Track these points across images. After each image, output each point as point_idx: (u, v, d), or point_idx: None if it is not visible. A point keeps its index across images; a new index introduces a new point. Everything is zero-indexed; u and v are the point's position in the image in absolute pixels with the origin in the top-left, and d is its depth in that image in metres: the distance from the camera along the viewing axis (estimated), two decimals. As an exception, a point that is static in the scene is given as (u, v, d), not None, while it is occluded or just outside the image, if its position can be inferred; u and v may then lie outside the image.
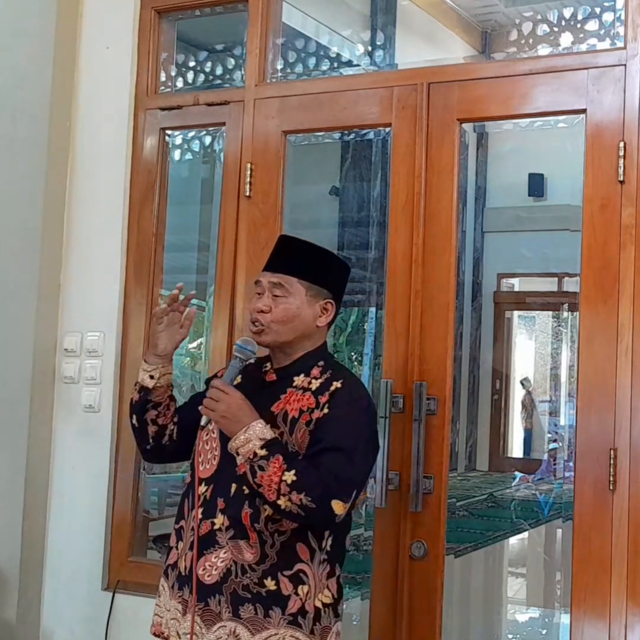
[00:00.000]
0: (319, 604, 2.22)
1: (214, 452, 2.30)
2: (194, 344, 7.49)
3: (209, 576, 2.22)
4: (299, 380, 2.29)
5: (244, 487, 2.20)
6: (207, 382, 2.49)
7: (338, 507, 2.12)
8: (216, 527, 2.23)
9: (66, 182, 3.61)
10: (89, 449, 3.49)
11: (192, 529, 2.28)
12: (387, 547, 2.92)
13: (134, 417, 2.44)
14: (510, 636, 5.19)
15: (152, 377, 2.39)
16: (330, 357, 2.38)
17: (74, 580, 3.48)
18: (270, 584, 2.18)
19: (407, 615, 2.88)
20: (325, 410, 2.20)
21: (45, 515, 3.52)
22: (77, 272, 3.58)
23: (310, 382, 2.27)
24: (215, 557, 2.22)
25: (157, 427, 2.42)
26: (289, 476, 2.09)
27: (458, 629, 4.15)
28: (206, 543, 2.24)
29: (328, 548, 2.25)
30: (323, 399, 2.22)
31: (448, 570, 2.92)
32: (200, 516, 2.26)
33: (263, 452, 2.12)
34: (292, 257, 2.35)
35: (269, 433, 2.16)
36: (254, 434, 2.13)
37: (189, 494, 2.33)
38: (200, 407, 2.23)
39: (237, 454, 2.15)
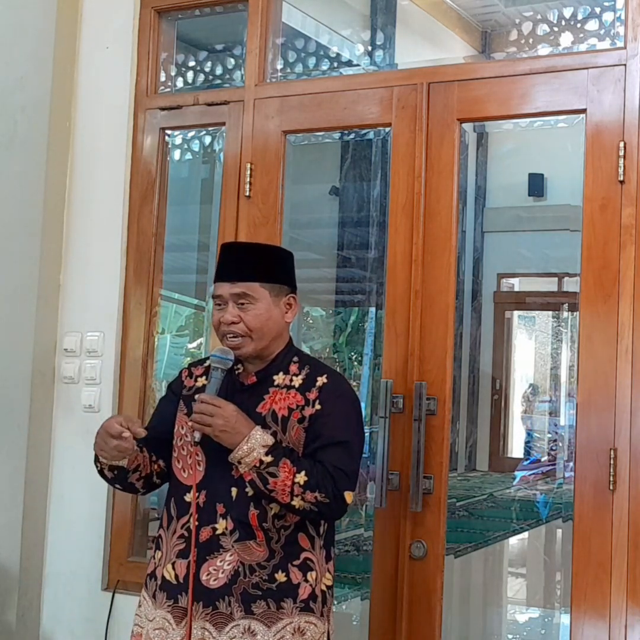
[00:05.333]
0: (323, 588, 2.30)
1: (196, 458, 2.30)
2: (194, 344, 7.49)
3: (214, 580, 2.23)
4: (279, 379, 2.32)
5: (246, 490, 2.22)
6: (169, 386, 2.49)
7: (349, 497, 2.22)
8: (219, 531, 2.24)
9: (66, 182, 3.61)
10: (89, 449, 3.44)
11: (182, 537, 2.28)
12: (387, 547, 2.92)
13: (117, 485, 2.39)
14: (510, 636, 5.18)
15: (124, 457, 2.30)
16: (300, 351, 2.41)
17: (74, 580, 3.47)
18: (280, 576, 2.22)
19: (407, 615, 2.88)
20: (317, 406, 2.26)
21: (45, 515, 3.52)
22: (77, 272, 3.58)
23: (291, 380, 2.31)
24: (220, 561, 2.23)
25: (143, 479, 2.38)
26: (300, 477, 2.16)
27: (458, 629, 4.15)
28: (208, 549, 2.24)
29: (324, 534, 2.32)
30: (311, 396, 2.27)
31: (448, 570, 2.92)
32: (196, 523, 2.26)
33: (269, 459, 2.16)
34: (247, 263, 2.32)
35: (269, 438, 2.19)
36: (256, 443, 2.17)
37: (170, 502, 2.33)
38: (191, 423, 2.23)
39: (239, 463, 2.18)
